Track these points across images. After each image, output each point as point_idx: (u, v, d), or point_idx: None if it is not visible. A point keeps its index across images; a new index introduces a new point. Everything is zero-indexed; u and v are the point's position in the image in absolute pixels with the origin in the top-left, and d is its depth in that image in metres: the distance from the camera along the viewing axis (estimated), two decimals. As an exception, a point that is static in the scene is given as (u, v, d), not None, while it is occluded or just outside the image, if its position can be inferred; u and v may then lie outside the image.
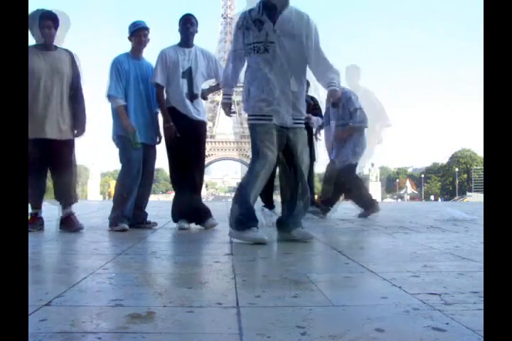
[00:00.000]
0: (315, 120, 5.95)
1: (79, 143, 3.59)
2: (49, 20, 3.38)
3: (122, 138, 3.66)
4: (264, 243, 2.74)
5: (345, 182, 5.19)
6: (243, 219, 2.79)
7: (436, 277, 1.77)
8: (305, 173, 2.95)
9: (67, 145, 3.49)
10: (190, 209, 3.74)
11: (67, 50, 3.55)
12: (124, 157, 3.69)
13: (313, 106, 5.63)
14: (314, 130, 6.06)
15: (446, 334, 1.09)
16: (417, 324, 1.17)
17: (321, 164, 6.14)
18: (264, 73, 2.83)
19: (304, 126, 3.03)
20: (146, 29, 3.76)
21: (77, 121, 3.56)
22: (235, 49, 2.98)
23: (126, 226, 3.55)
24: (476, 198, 41.43)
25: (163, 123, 3.74)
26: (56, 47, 3.49)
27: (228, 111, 3.20)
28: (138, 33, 3.71)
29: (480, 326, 1.10)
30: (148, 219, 3.88)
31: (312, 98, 6.03)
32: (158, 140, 3.90)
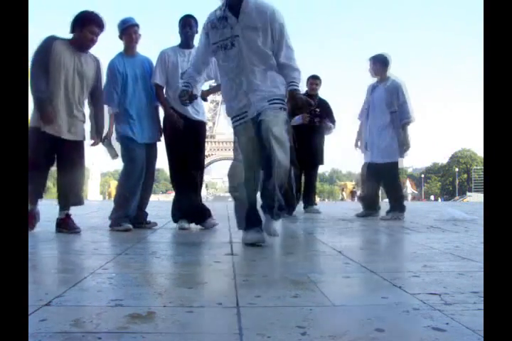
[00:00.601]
0: (328, 125, 5.78)
1: None
2: (98, 27, 3.34)
3: (125, 138, 3.66)
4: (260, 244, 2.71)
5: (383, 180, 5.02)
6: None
7: (436, 277, 1.77)
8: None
9: (78, 147, 3.45)
10: (190, 209, 3.74)
11: (95, 56, 3.52)
12: (127, 157, 3.67)
13: (313, 108, 5.57)
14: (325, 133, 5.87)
15: (446, 334, 1.09)
16: (417, 324, 1.17)
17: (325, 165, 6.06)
18: (234, 71, 2.82)
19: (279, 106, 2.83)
20: (136, 25, 3.72)
21: (96, 129, 3.55)
22: (201, 51, 2.98)
23: (130, 226, 3.54)
24: (476, 198, 41.42)
25: (164, 113, 3.73)
26: (88, 51, 3.46)
27: (182, 100, 3.05)
28: (128, 31, 3.68)
29: (480, 326, 1.10)
30: (148, 219, 3.88)
31: (322, 101, 5.85)
32: (159, 135, 3.87)
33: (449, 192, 70.91)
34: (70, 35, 3.39)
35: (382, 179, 5.01)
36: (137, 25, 3.73)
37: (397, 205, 4.96)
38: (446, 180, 74.30)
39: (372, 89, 5.06)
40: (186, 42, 3.72)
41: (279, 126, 2.74)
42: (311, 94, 5.63)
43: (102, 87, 3.61)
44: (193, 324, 1.17)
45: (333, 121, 5.87)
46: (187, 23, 3.69)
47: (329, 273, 1.91)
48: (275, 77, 2.83)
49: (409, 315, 1.24)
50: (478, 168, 65.89)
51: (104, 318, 1.20)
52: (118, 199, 3.70)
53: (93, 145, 3.58)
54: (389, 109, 4.88)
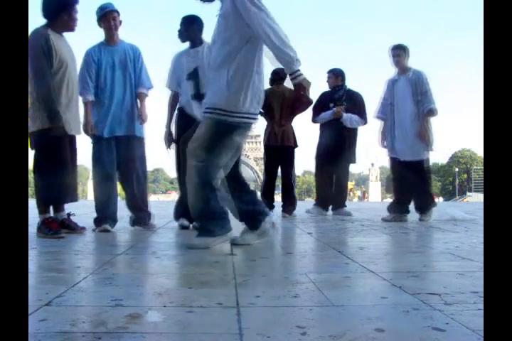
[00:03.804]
0: (347, 118, 5.36)
1: (79, 142, 3.47)
2: (77, 4, 3.13)
3: (93, 136, 3.57)
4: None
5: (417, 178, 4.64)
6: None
7: (436, 277, 1.78)
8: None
9: (75, 142, 3.33)
10: None
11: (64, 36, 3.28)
12: (92, 157, 3.59)
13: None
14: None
15: (446, 334, 1.09)
16: (417, 324, 1.17)
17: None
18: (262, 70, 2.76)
19: (209, 114, 2.64)
20: (115, 11, 3.53)
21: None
22: None
23: (107, 227, 3.47)
24: (476, 198, 41.45)
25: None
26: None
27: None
28: (106, 17, 3.50)
29: (480, 326, 1.10)
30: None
31: (351, 94, 5.50)
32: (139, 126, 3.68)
33: (448, 192, 70.88)
34: (43, 21, 3.12)
35: (410, 178, 4.65)
36: (117, 11, 3.54)
37: (425, 206, 4.74)
38: (446, 180, 74.32)
39: (393, 83, 4.76)
40: (191, 43, 3.72)
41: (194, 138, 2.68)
42: (333, 87, 5.53)
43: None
44: (193, 324, 1.17)
45: (361, 115, 5.46)
46: (180, 24, 3.69)
47: (329, 273, 1.91)
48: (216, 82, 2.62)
49: (409, 315, 1.24)
50: (478, 168, 65.92)
51: (104, 318, 1.20)
52: (95, 203, 3.64)
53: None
54: (415, 99, 4.58)
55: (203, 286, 1.64)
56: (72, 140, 3.29)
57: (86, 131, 3.47)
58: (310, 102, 5.39)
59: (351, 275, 1.83)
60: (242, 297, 1.43)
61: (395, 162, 4.76)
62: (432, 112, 4.61)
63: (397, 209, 4.74)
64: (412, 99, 4.59)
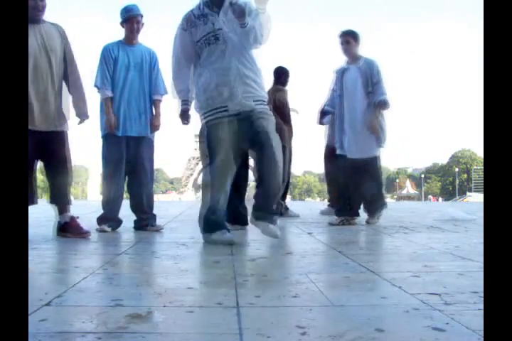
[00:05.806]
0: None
1: (79, 142, 3.40)
2: None
3: (104, 135, 3.56)
4: (231, 243, 2.72)
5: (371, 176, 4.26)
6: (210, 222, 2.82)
7: (436, 277, 1.77)
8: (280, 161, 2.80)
9: (59, 138, 3.09)
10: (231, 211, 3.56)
11: (55, 25, 3.14)
12: (103, 156, 3.58)
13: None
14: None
15: (446, 334, 1.09)
16: (417, 324, 1.17)
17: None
18: (218, 62, 2.81)
19: (267, 108, 2.83)
20: (140, 15, 3.59)
21: (77, 105, 3.20)
22: (184, 50, 2.94)
23: (105, 228, 3.45)
24: (476, 198, 41.48)
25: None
26: (44, 21, 3.05)
27: (184, 122, 3.08)
28: (130, 21, 3.55)
29: (480, 326, 1.10)
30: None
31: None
32: (152, 130, 3.66)
33: (449, 192, 70.94)
34: None
35: (359, 176, 4.21)
36: (141, 16, 3.60)
37: (375, 208, 4.35)
38: (446, 180, 74.40)
39: (343, 73, 4.26)
40: None
41: (273, 129, 2.80)
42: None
43: (74, 58, 3.22)
44: (193, 324, 1.17)
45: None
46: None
47: (329, 273, 1.91)
48: (258, 77, 2.87)
49: (409, 315, 1.24)
50: (478, 168, 65.99)
51: (104, 318, 1.20)
52: (102, 201, 3.63)
53: (79, 123, 3.30)
54: (365, 90, 4.12)
55: (202, 286, 1.64)
56: (54, 135, 3.05)
57: (109, 129, 3.44)
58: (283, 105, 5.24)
59: (351, 275, 1.83)
60: (242, 297, 1.43)
61: (342, 160, 4.29)
62: (384, 104, 4.13)
63: (346, 212, 4.31)
64: (362, 91, 4.14)
